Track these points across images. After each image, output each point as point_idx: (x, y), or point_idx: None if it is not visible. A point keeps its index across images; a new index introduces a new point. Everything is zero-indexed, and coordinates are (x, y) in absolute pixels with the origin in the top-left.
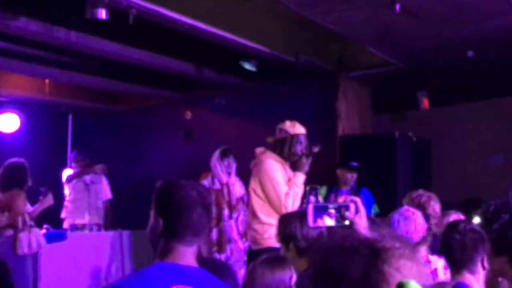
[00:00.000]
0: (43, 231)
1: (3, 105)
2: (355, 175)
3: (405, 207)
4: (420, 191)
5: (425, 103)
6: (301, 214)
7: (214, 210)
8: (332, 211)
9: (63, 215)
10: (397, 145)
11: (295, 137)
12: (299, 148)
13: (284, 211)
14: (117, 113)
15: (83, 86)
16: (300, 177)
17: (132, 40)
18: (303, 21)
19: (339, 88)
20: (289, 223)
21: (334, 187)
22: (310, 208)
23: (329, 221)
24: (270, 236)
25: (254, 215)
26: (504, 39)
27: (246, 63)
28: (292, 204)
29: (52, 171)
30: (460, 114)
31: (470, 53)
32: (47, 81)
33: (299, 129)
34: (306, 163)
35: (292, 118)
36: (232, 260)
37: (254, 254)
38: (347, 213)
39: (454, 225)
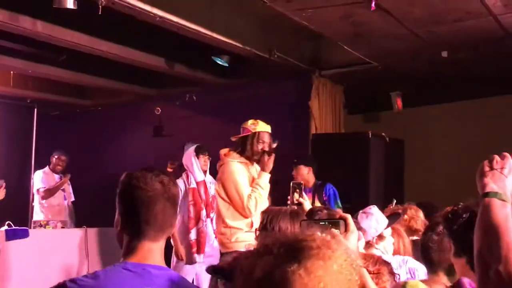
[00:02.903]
0: (5, 227)
1: None
2: (300, 172)
3: (370, 206)
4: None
5: (399, 103)
6: (290, 212)
7: (191, 209)
8: (321, 228)
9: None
10: (370, 145)
11: (256, 134)
12: (261, 146)
13: (248, 213)
14: (85, 108)
15: (49, 78)
16: (264, 177)
17: (100, 32)
18: (277, 18)
19: (312, 86)
20: (277, 220)
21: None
22: (303, 224)
23: None
24: (237, 240)
25: (220, 218)
26: (478, 40)
27: (218, 58)
28: (255, 205)
29: (15, 165)
30: (433, 115)
31: (444, 53)
32: (12, 72)
33: (261, 127)
34: (268, 161)
35: (265, 115)
36: (212, 259)
37: (223, 258)
38: (336, 231)
39: (433, 226)
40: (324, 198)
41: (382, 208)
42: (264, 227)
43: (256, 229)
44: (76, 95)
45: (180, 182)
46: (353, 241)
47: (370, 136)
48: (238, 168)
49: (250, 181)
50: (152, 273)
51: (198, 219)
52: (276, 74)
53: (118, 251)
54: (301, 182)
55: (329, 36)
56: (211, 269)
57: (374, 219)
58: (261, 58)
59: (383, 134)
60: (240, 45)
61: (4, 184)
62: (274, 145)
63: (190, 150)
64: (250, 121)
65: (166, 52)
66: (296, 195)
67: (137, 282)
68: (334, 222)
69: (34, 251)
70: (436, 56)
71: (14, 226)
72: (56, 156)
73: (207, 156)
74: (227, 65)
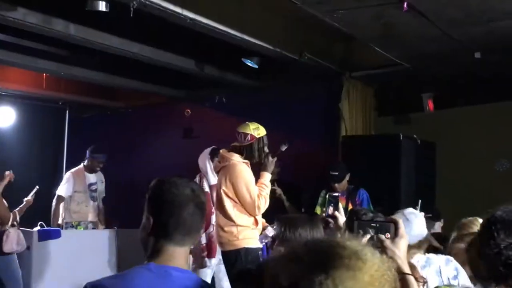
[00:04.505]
0: (37, 228)
1: None
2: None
3: (410, 209)
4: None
5: (430, 105)
6: (309, 220)
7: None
8: (372, 229)
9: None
10: (402, 147)
11: (260, 139)
12: (265, 149)
13: (257, 211)
14: (116, 109)
15: (81, 80)
16: (267, 177)
17: (132, 34)
18: (308, 19)
19: (343, 88)
20: (296, 228)
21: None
22: (355, 224)
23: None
24: (244, 237)
25: (227, 217)
26: None
27: (248, 60)
28: (264, 204)
29: (47, 166)
30: (465, 117)
31: (477, 54)
32: (44, 75)
33: (262, 131)
34: (271, 163)
35: (295, 117)
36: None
37: (228, 255)
38: (386, 234)
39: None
40: (357, 202)
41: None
42: (283, 235)
43: (272, 236)
44: (107, 97)
45: None
46: (402, 247)
47: (401, 138)
48: (246, 169)
49: (254, 181)
50: (173, 275)
51: (208, 223)
52: (306, 76)
53: (138, 252)
54: (338, 194)
55: (360, 37)
56: (236, 274)
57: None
58: (291, 60)
59: (414, 136)
60: (271, 47)
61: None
62: (284, 148)
63: (205, 153)
64: (252, 126)
65: (196, 54)
66: (331, 209)
67: (157, 283)
68: (385, 225)
69: (65, 251)
70: (469, 57)
71: (46, 226)
72: (94, 157)
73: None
74: (257, 67)
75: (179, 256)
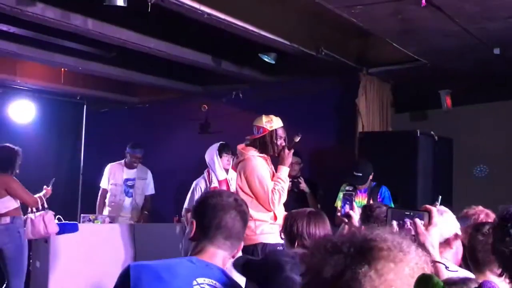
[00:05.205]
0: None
1: (18, 93)
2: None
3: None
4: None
5: (448, 102)
6: (308, 213)
7: None
8: (406, 218)
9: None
10: (419, 144)
11: (274, 132)
12: (279, 142)
13: (272, 207)
14: (133, 104)
15: (99, 75)
16: (284, 170)
17: (149, 29)
18: (325, 15)
19: (360, 84)
20: (295, 221)
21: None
22: (389, 212)
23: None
24: (262, 232)
25: None
26: None
27: (265, 55)
28: (279, 199)
29: (65, 160)
30: (483, 113)
31: (496, 50)
32: (62, 69)
33: (276, 123)
34: (288, 156)
35: (311, 112)
36: None
37: (245, 250)
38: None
39: (479, 226)
40: (379, 200)
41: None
42: (289, 230)
43: (280, 232)
44: (125, 92)
45: (201, 182)
46: (435, 235)
47: (418, 135)
48: (260, 163)
49: (271, 175)
50: (211, 268)
51: None
52: (323, 72)
53: (164, 246)
54: (353, 193)
55: (377, 33)
56: (241, 266)
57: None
58: (308, 55)
59: (431, 132)
60: (288, 43)
61: (52, 181)
62: (297, 139)
63: (214, 148)
64: (265, 119)
65: (213, 49)
66: (347, 207)
67: (197, 272)
68: (418, 213)
69: (82, 244)
70: (488, 53)
71: (64, 220)
72: (130, 153)
73: (230, 155)
74: (273, 62)
75: (218, 257)
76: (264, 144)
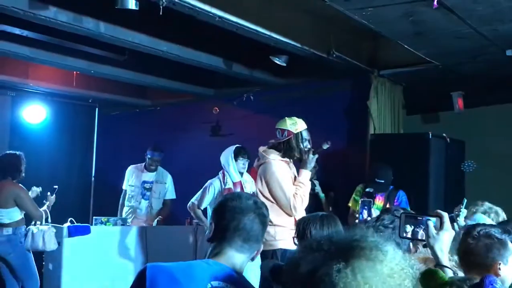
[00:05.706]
0: (67, 224)
1: (30, 96)
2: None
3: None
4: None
5: (460, 104)
6: (320, 216)
7: None
8: (419, 223)
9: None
10: (431, 146)
11: (298, 135)
12: (305, 145)
13: (293, 212)
14: (144, 107)
15: (111, 78)
16: (306, 175)
17: (161, 32)
18: (336, 17)
19: (371, 86)
20: (308, 225)
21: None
22: (402, 217)
23: (413, 233)
24: (282, 238)
25: None
26: None
27: (276, 58)
28: (301, 204)
29: (77, 162)
30: (495, 116)
31: (509, 52)
32: (75, 72)
33: (300, 125)
34: (312, 160)
35: (323, 115)
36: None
37: (264, 255)
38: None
39: (469, 229)
40: (396, 203)
41: (446, 210)
42: (302, 234)
43: (293, 237)
44: (136, 95)
45: (216, 182)
46: (446, 240)
47: (430, 137)
48: (282, 167)
49: (293, 179)
50: (227, 271)
51: None
52: (334, 74)
53: (177, 249)
54: (371, 200)
55: (388, 35)
56: (268, 271)
57: None
58: (319, 57)
59: (443, 135)
60: (299, 45)
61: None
62: (326, 146)
63: (230, 151)
64: (289, 121)
65: (225, 52)
66: (365, 212)
67: (211, 274)
68: (430, 218)
69: (95, 247)
70: (500, 55)
71: (76, 223)
72: (149, 156)
73: (246, 159)
74: (285, 65)
75: (235, 261)
76: (290, 147)
